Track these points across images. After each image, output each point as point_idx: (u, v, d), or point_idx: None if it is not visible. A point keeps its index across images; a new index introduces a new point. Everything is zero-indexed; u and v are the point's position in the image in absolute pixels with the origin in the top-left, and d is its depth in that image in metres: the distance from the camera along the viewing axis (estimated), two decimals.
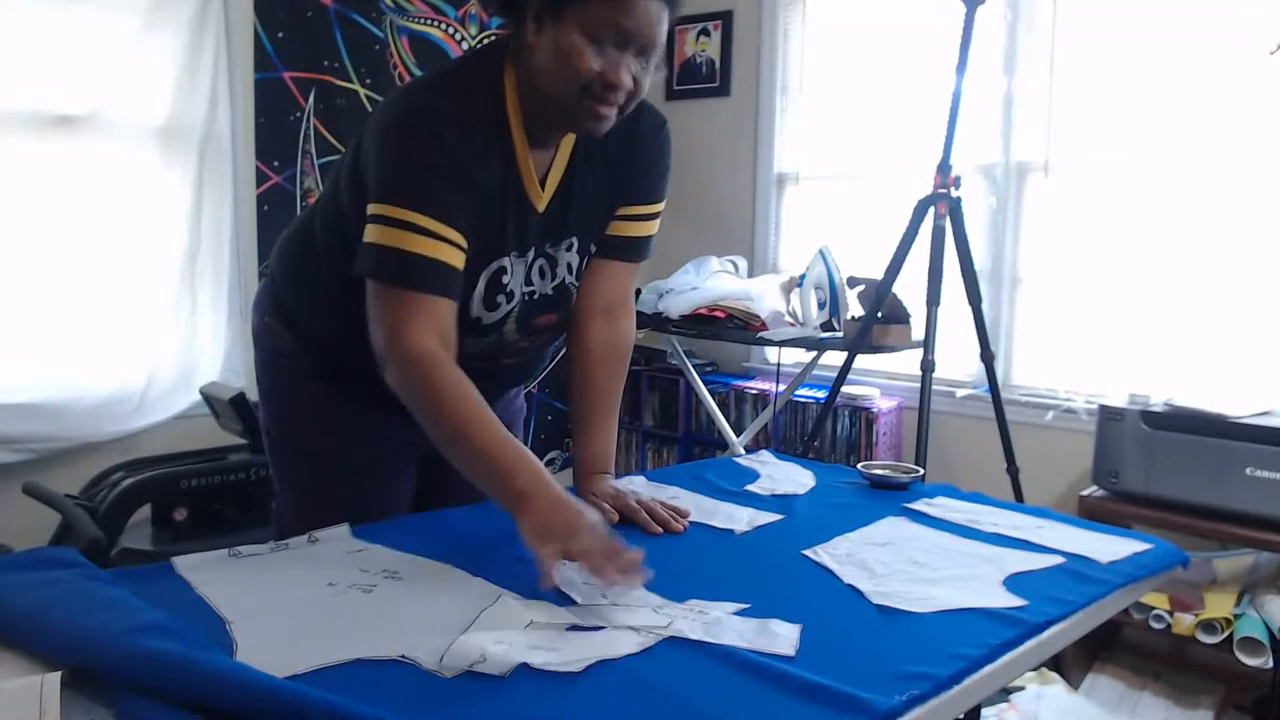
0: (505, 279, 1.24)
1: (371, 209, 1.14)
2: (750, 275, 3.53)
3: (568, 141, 1.26)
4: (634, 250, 1.41)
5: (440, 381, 1.12)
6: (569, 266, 1.31)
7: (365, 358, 1.19)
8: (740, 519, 1.31)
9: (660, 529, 1.24)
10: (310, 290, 1.34)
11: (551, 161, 1.26)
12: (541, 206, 1.25)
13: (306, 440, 1.39)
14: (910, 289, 2.69)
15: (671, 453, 3.77)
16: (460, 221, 1.15)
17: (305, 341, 1.36)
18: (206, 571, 1.03)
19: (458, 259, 1.15)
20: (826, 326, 2.91)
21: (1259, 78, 2.58)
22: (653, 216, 1.42)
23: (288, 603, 0.96)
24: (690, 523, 1.29)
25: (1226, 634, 2.35)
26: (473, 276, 1.20)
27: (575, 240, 1.30)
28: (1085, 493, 2.61)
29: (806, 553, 1.17)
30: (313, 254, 1.33)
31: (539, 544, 1.00)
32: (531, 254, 1.26)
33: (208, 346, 2.81)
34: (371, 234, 1.14)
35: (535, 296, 1.29)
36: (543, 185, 1.25)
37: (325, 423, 1.37)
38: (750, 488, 1.49)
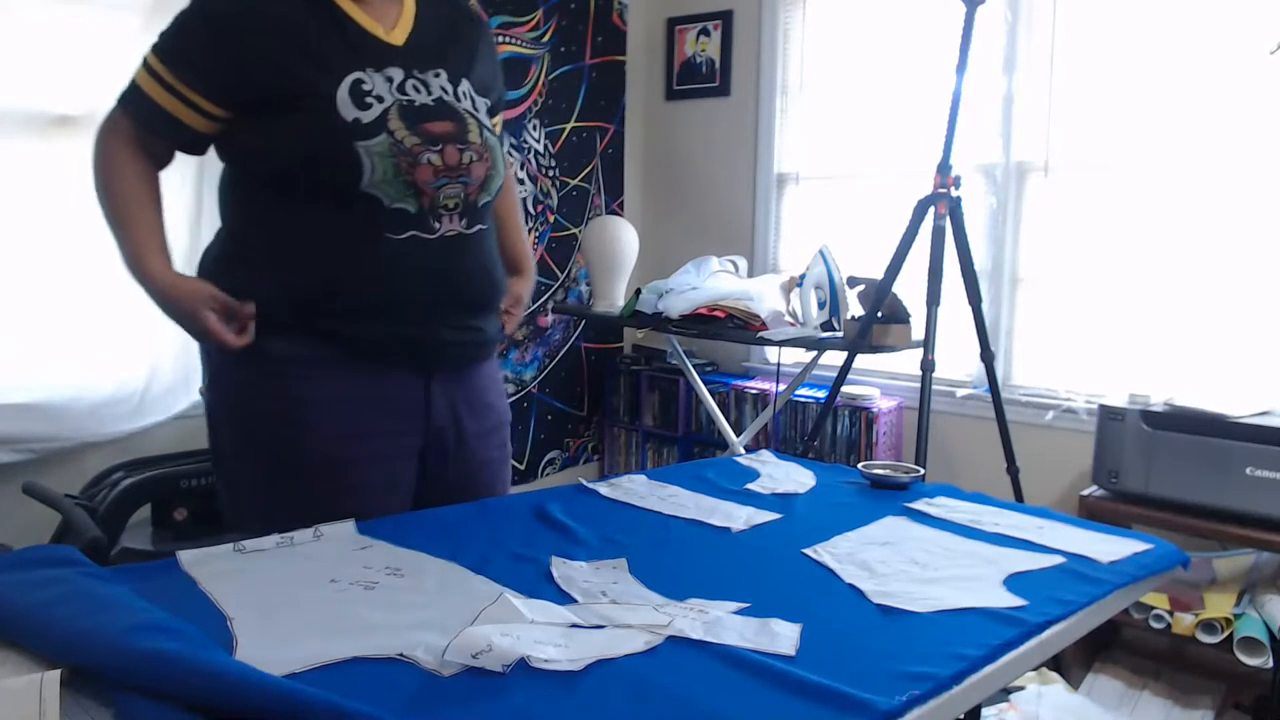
0: (366, 86, 1.32)
1: (148, 56, 1.33)
2: (750, 275, 3.53)
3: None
4: None
5: (120, 167, 1.34)
6: (444, 89, 1.40)
7: (335, 291, 1.32)
8: (738, 517, 1.31)
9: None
10: (269, 251, 1.36)
11: (399, 13, 1.41)
12: (400, 41, 1.39)
13: (293, 452, 1.34)
14: (910, 289, 2.69)
15: (671, 453, 3.77)
16: (217, 88, 1.30)
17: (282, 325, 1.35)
18: (211, 566, 1.04)
19: (190, 117, 1.32)
20: (826, 326, 2.91)
21: (1259, 78, 2.58)
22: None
23: (290, 599, 0.96)
24: (688, 520, 1.30)
25: (1226, 634, 2.35)
26: (332, 84, 1.30)
27: (444, 71, 1.41)
28: (1085, 493, 2.61)
29: (807, 552, 1.17)
30: (251, 224, 1.38)
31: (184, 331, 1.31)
32: (398, 74, 1.36)
33: None
34: (139, 77, 1.33)
35: (415, 104, 1.35)
36: (394, 27, 1.40)
37: (312, 429, 1.34)
38: (750, 487, 1.49)
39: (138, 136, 1.34)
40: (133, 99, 1.34)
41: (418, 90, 1.36)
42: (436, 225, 1.35)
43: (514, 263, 1.65)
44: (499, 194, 1.49)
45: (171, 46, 1.32)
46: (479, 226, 1.42)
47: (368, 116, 1.30)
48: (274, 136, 1.31)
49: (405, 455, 1.40)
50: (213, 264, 1.41)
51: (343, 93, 1.30)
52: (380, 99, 1.32)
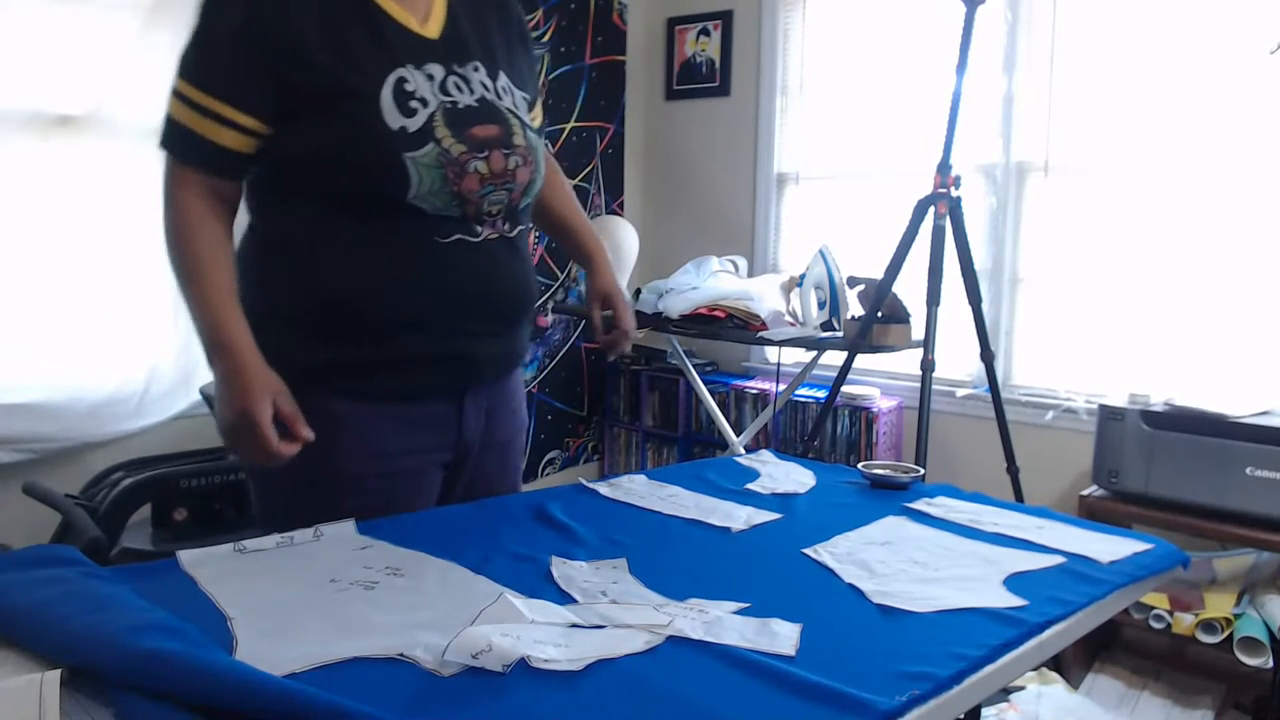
0: (409, 86, 1.25)
1: (174, 84, 1.24)
2: (750, 275, 3.53)
3: None
4: None
5: (189, 225, 1.24)
6: (485, 85, 1.33)
7: (366, 286, 1.26)
8: (738, 517, 1.31)
9: (604, 339, 1.56)
10: (307, 261, 1.28)
11: (430, 2, 1.34)
12: (434, 34, 1.32)
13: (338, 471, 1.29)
14: (910, 289, 2.69)
15: (671, 453, 3.77)
16: (252, 99, 1.22)
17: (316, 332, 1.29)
18: (211, 567, 1.04)
19: (229, 137, 1.23)
20: (826, 326, 2.91)
21: (1259, 78, 2.58)
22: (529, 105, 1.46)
23: (290, 599, 0.96)
24: (688, 520, 1.30)
25: (1226, 634, 2.35)
26: (374, 85, 1.23)
27: (480, 65, 1.34)
28: (1085, 493, 2.61)
29: (807, 551, 1.17)
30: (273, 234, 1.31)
31: (220, 420, 1.20)
32: (439, 72, 1.29)
33: None
34: (171, 106, 1.24)
35: (459, 106, 1.29)
36: (427, 19, 1.32)
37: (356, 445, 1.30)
38: (750, 486, 1.49)
39: (201, 179, 1.25)
40: (168, 133, 1.25)
41: (460, 89, 1.30)
42: (479, 229, 1.31)
43: (581, 248, 1.60)
44: (542, 185, 1.45)
45: (194, 64, 1.22)
46: (520, 228, 1.39)
47: (414, 124, 1.23)
48: (314, 143, 1.23)
49: (432, 468, 1.38)
50: (245, 274, 1.30)
51: (386, 96, 1.23)
52: (424, 102, 1.25)
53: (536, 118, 1.47)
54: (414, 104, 1.24)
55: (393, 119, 1.22)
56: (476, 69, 1.33)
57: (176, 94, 1.23)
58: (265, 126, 1.24)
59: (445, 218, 1.27)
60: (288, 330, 1.28)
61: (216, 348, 1.19)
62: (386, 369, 1.29)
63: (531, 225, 1.47)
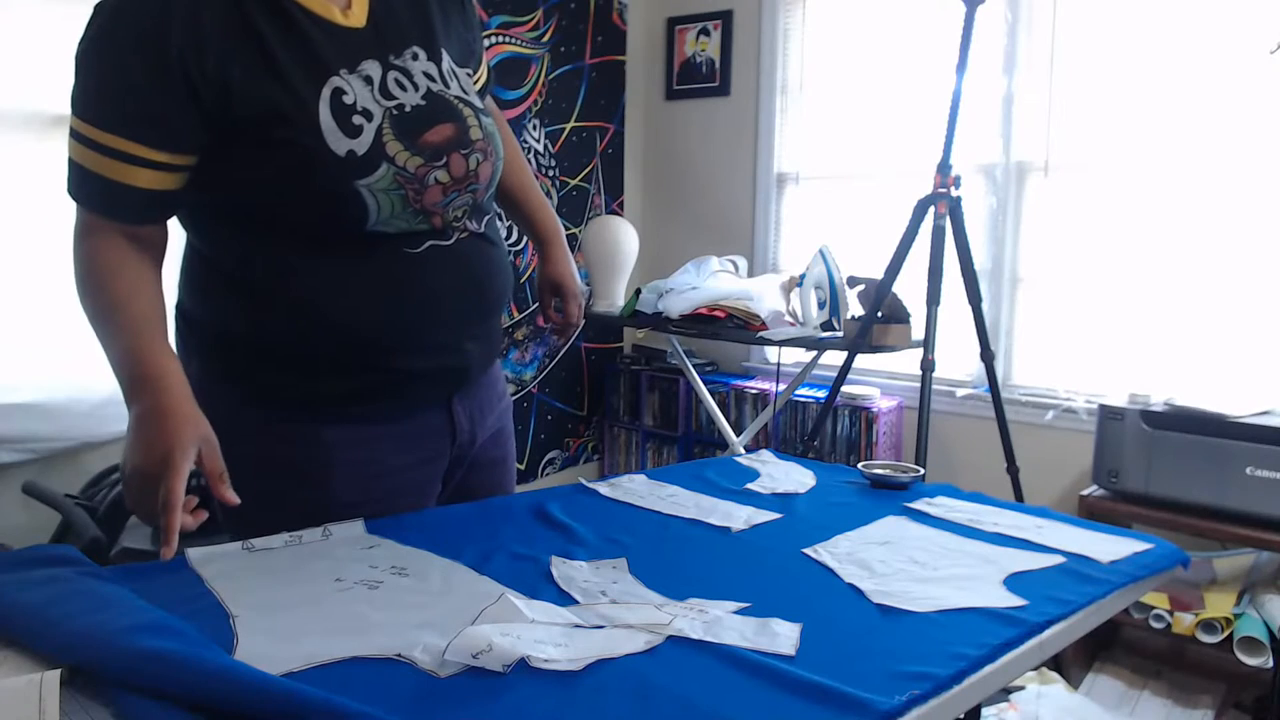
0: (348, 99, 1.11)
1: (71, 123, 1.08)
2: (750, 275, 3.53)
3: None
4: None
5: (105, 265, 1.09)
6: (428, 75, 1.20)
7: (313, 327, 1.16)
8: (738, 517, 1.31)
9: (551, 321, 1.55)
10: (271, 290, 1.18)
11: None
12: (359, 23, 1.17)
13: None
14: (910, 289, 2.69)
15: (671, 452, 3.77)
16: (165, 132, 1.07)
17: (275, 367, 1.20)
18: (219, 565, 1.04)
19: (157, 179, 1.09)
20: (826, 326, 2.91)
21: (1259, 78, 2.58)
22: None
23: (294, 598, 0.96)
24: (688, 520, 1.30)
25: (1226, 634, 2.35)
26: (309, 104, 1.09)
27: (420, 50, 1.20)
28: (1085, 492, 2.62)
29: (807, 551, 1.17)
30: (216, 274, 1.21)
31: (130, 463, 1.01)
32: (375, 70, 1.15)
33: None
34: (73, 150, 1.09)
35: (406, 109, 1.15)
36: (350, 3, 1.17)
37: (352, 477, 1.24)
38: (750, 486, 1.49)
39: (119, 230, 1.11)
40: (75, 181, 1.09)
41: (403, 87, 1.16)
42: (450, 233, 1.23)
43: (537, 230, 1.52)
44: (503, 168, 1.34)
45: (93, 99, 1.07)
46: (487, 216, 1.30)
47: (361, 145, 1.11)
48: (255, 177, 1.11)
49: (432, 479, 1.34)
50: (202, 298, 1.22)
51: (325, 116, 1.09)
52: (367, 114, 1.12)
53: (481, 77, 1.35)
54: (357, 119, 1.11)
55: (337, 144, 1.09)
56: (415, 56, 1.19)
57: (78, 136, 1.08)
58: (188, 158, 1.10)
59: (412, 233, 1.18)
60: (265, 363, 1.19)
61: (142, 382, 1.03)
62: (377, 391, 1.23)
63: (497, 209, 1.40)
